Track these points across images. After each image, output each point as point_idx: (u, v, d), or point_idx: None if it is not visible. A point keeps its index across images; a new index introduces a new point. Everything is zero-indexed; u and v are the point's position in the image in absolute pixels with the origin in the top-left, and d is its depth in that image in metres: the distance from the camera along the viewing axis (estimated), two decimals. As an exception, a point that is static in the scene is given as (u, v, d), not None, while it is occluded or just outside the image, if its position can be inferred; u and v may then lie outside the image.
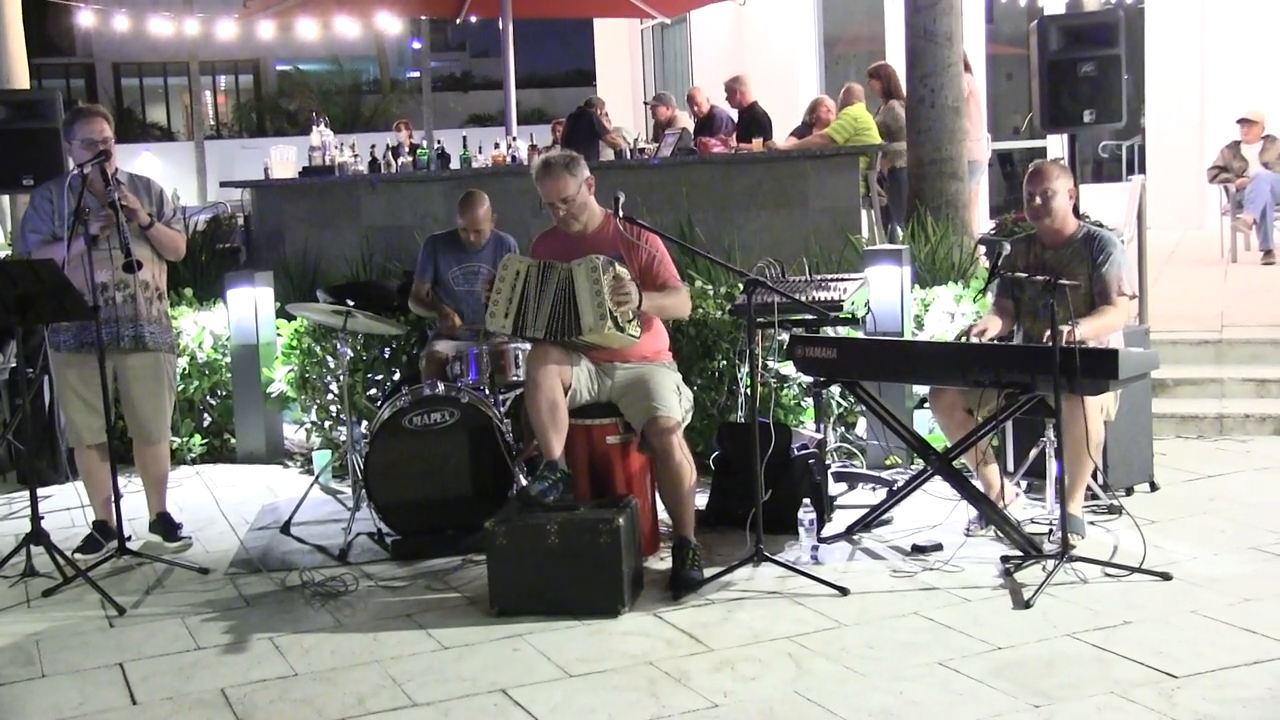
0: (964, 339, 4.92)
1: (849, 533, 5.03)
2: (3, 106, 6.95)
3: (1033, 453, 5.09)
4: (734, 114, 10.18)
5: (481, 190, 6.03)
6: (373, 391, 6.58)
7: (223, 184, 11.39)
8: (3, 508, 6.14)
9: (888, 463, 5.86)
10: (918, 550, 4.79)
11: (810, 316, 5.22)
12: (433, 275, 6.02)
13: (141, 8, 18.02)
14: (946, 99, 7.23)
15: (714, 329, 6.01)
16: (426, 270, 6.02)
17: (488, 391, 5.39)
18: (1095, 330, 4.75)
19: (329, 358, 6.62)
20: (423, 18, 22.19)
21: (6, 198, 9.48)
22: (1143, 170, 12.54)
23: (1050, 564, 4.39)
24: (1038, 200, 4.94)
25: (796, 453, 5.21)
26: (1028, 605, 4.17)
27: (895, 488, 5.13)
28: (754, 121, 9.74)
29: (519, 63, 11.06)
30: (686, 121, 10.48)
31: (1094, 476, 4.96)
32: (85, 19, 16.22)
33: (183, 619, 4.47)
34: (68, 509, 5.90)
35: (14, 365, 6.48)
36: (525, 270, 4.69)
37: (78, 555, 5.06)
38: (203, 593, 4.76)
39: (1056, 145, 10.98)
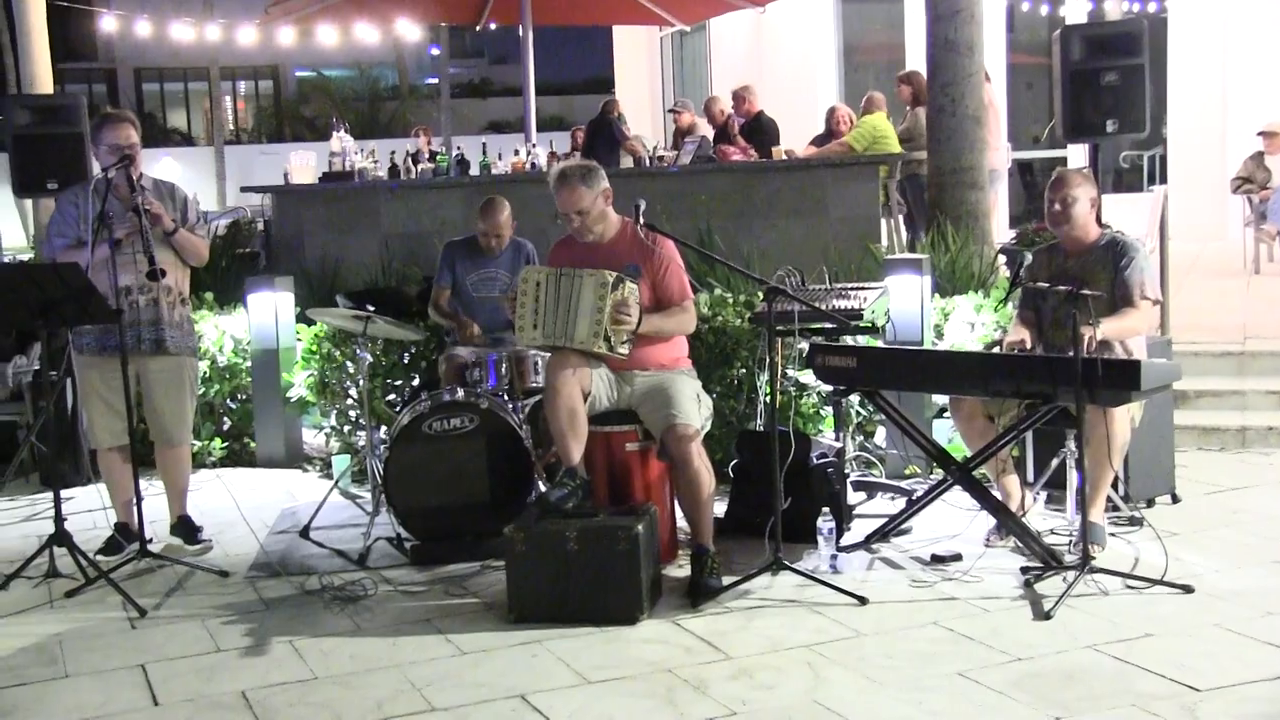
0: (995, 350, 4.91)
1: (868, 542, 5.02)
2: (27, 111, 6.99)
3: (1053, 463, 5.06)
4: (737, 123, 10.11)
5: (503, 197, 6.05)
6: (392, 397, 6.60)
7: (243, 189, 11.43)
8: (26, 509, 6.19)
9: (907, 472, 5.85)
10: (937, 560, 4.78)
11: (830, 325, 5.21)
12: (451, 282, 6.03)
13: (163, 14, 18.14)
14: (967, 108, 7.22)
15: (733, 337, 6.01)
16: (445, 277, 6.04)
17: (507, 397, 5.39)
18: (1117, 331, 4.71)
19: (348, 363, 6.65)
20: (442, 24, 22.26)
21: (30, 202, 9.55)
22: (1164, 181, 12.50)
23: (1071, 575, 4.37)
24: (1057, 206, 4.92)
25: (815, 461, 5.20)
26: (1048, 616, 4.15)
27: (914, 497, 5.12)
28: (760, 130, 9.70)
29: (538, 69, 11.09)
30: (706, 129, 10.48)
31: (1114, 487, 4.94)
32: (108, 25, 16.37)
33: (203, 621, 4.49)
34: (90, 511, 5.94)
35: (37, 368, 6.53)
36: (544, 279, 4.71)
37: (100, 557, 5.09)
38: (223, 595, 4.78)
39: (1078, 155, 10.94)
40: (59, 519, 4.91)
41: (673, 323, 4.83)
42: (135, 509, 5.11)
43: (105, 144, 5.09)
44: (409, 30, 15.95)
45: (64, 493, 5.29)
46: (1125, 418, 4.69)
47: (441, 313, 6.05)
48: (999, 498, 4.91)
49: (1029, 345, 4.89)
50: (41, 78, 10.04)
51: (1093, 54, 6.16)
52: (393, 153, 9.22)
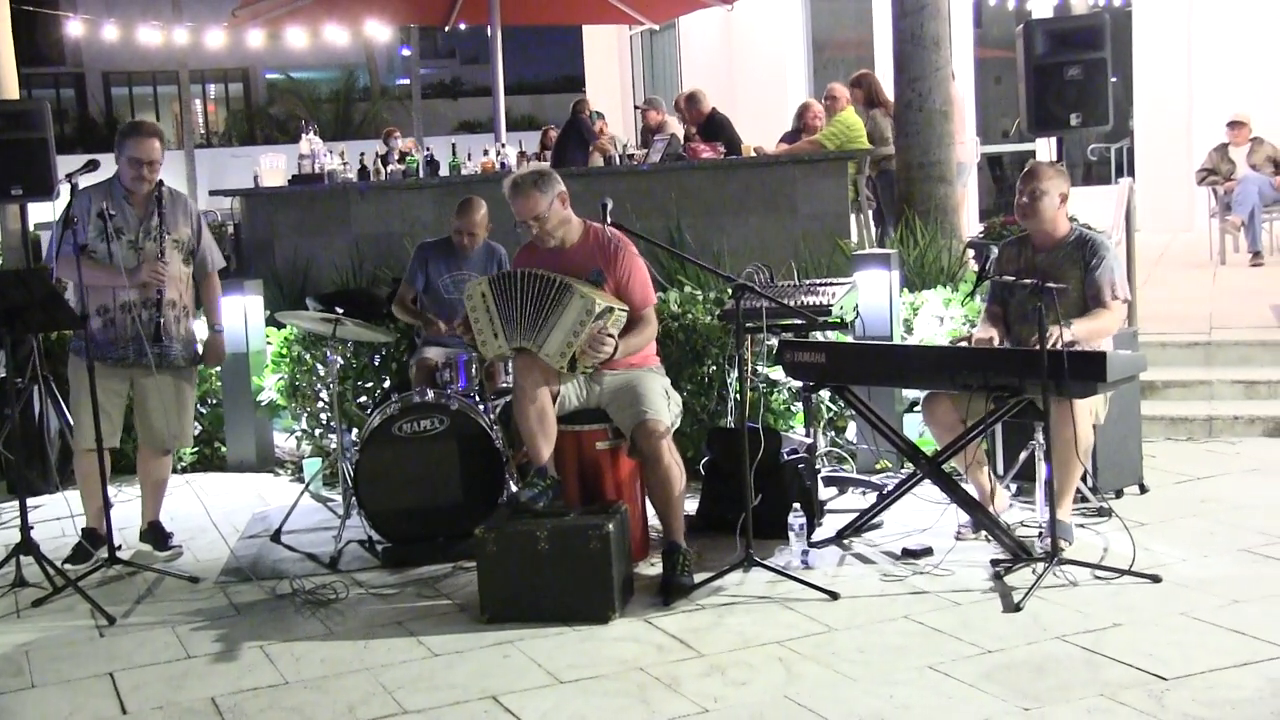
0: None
1: (839, 537, 5.04)
2: (-10, 118, 6.91)
3: (1022, 456, 5.09)
4: (680, 131, 9.94)
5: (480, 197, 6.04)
6: (363, 399, 6.57)
7: (212, 192, 11.32)
8: (-8, 518, 6.13)
9: (878, 467, 5.87)
10: (908, 554, 4.80)
11: (799, 321, 5.22)
12: (423, 283, 6.01)
13: (131, 17, 17.99)
14: (935, 103, 7.25)
15: (703, 334, 6.02)
16: (417, 277, 6.01)
17: (477, 398, 5.38)
18: (1089, 333, 4.75)
19: (319, 365, 6.62)
20: (412, 25, 22.17)
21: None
22: (1131, 173, 12.59)
23: (1040, 567, 4.40)
24: (1025, 199, 4.94)
25: (786, 457, 5.21)
26: (1018, 608, 4.18)
27: (885, 492, 5.14)
28: (715, 130, 9.61)
29: (508, 69, 11.07)
30: (676, 127, 10.45)
31: (1084, 479, 4.97)
32: (74, 28, 16.20)
33: (173, 628, 4.46)
34: (57, 519, 5.88)
35: (3, 375, 6.46)
36: (488, 289, 4.71)
37: (67, 565, 5.05)
38: (193, 601, 4.75)
39: (1045, 149, 11.00)
40: (25, 527, 4.87)
41: (640, 340, 4.81)
42: (105, 515, 5.07)
43: (126, 154, 5.11)
44: (378, 31, 15.87)
45: (31, 501, 5.25)
46: (1087, 417, 4.71)
47: (406, 310, 6.03)
48: (969, 492, 4.93)
49: (997, 343, 4.91)
50: (7, 83, 9.90)
51: (1055, 48, 6.20)
52: (362, 154, 9.18)
